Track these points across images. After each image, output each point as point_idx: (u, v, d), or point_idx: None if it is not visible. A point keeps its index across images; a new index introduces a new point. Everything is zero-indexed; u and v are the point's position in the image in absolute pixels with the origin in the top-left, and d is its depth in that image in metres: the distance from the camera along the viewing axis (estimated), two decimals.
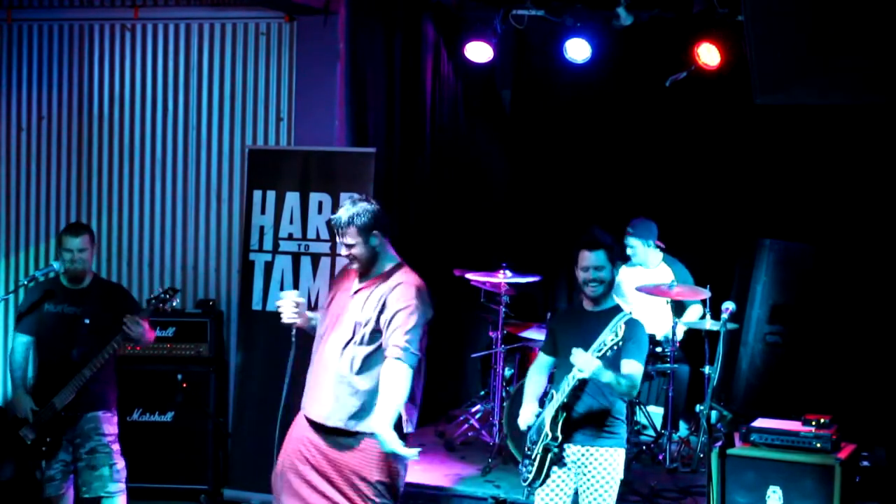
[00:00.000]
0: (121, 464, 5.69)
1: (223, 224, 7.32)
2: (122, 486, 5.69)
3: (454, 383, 8.60)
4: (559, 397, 4.91)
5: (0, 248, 7.51)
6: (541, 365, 5.26)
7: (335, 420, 4.63)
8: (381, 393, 4.55)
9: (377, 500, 4.64)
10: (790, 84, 5.54)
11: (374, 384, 4.60)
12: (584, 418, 4.92)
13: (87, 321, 5.63)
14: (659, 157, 8.37)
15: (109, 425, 5.68)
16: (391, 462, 4.64)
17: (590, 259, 5.00)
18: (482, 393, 7.93)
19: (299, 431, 4.80)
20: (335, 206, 6.50)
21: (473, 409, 7.67)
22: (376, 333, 4.62)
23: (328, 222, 5.32)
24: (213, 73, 7.33)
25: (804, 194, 7.79)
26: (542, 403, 5.10)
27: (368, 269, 4.71)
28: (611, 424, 4.94)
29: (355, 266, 4.71)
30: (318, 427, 4.71)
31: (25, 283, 6.08)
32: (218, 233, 7.32)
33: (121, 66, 7.42)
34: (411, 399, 4.70)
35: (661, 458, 6.83)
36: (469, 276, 7.31)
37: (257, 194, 6.68)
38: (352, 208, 4.63)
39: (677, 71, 7.35)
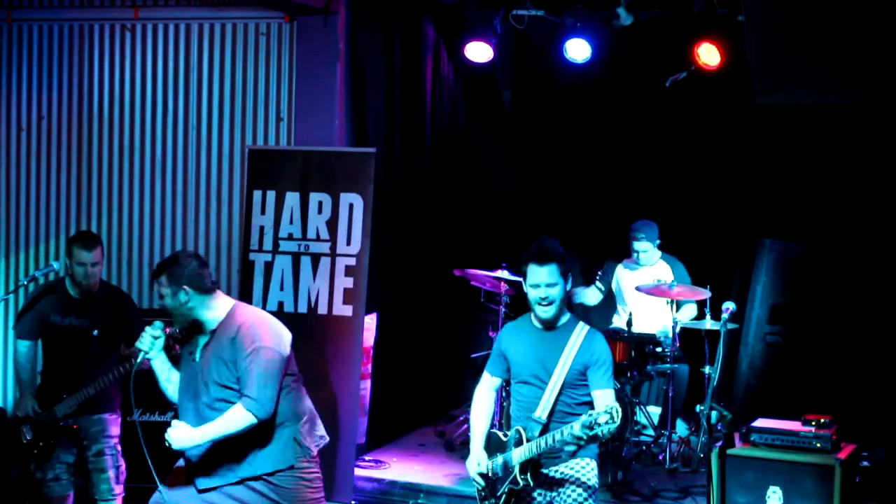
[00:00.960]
0: (123, 465, 5.74)
1: (223, 224, 7.32)
2: (122, 487, 5.75)
3: (454, 383, 8.60)
4: (528, 450, 4.39)
5: (0, 248, 7.51)
6: (488, 387, 4.81)
7: (218, 481, 4.55)
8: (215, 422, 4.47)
9: None
10: (790, 84, 5.54)
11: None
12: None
13: (95, 333, 5.62)
14: (659, 158, 8.37)
15: (114, 427, 5.73)
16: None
17: (540, 274, 4.47)
18: None
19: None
20: (335, 206, 6.51)
21: None
22: (235, 390, 4.49)
23: None
24: (213, 73, 7.33)
25: (804, 194, 7.79)
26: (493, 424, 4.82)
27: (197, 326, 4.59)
28: None
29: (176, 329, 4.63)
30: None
31: (25, 283, 6.08)
32: (218, 233, 7.33)
33: (121, 66, 7.42)
34: (307, 419, 4.73)
35: (661, 458, 6.83)
36: (470, 271, 7.30)
37: (257, 194, 6.67)
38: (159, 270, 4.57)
39: (677, 71, 7.35)
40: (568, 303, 4.72)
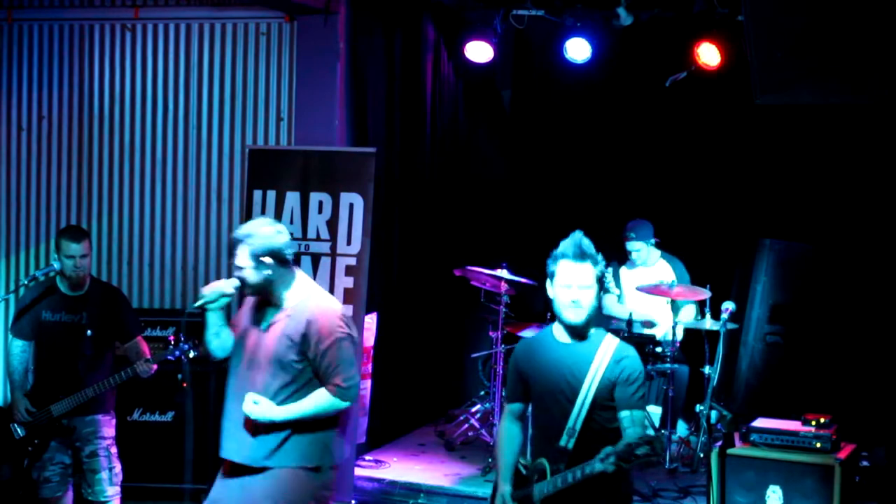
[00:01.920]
0: (118, 467, 5.70)
1: (223, 224, 7.32)
2: (118, 489, 5.70)
3: (454, 383, 8.61)
4: (551, 484, 3.97)
5: (0, 248, 7.51)
6: (511, 417, 4.27)
7: (259, 460, 4.40)
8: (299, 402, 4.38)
9: None
10: (790, 84, 5.54)
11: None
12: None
13: (89, 333, 5.59)
14: (659, 157, 8.37)
15: (108, 428, 5.69)
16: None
17: (574, 273, 4.00)
18: (482, 393, 7.92)
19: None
20: (335, 206, 6.51)
21: (473, 409, 7.67)
22: (294, 368, 4.42)
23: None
24: (213, 73, 7.33)
25: (804, 194, 7.79)
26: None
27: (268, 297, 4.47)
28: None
29: (249, 293, 4.48)
30: (235, 469, 4.46)
31: (26, 282, 6.06)
32: (218, 233, 7.32)
33: (121, 66, 7.42)
34: (342, 428, 4.55)
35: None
36: (471, 268, 7.29)
37: (257, 194, 6.67)
38: (248, 229, 4.43)
39: (677, 71, 7.35)
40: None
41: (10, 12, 7.48)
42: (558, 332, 4.11)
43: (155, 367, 5.61)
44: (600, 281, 4.04)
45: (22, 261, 7.49)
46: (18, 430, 5.59)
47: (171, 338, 5.72)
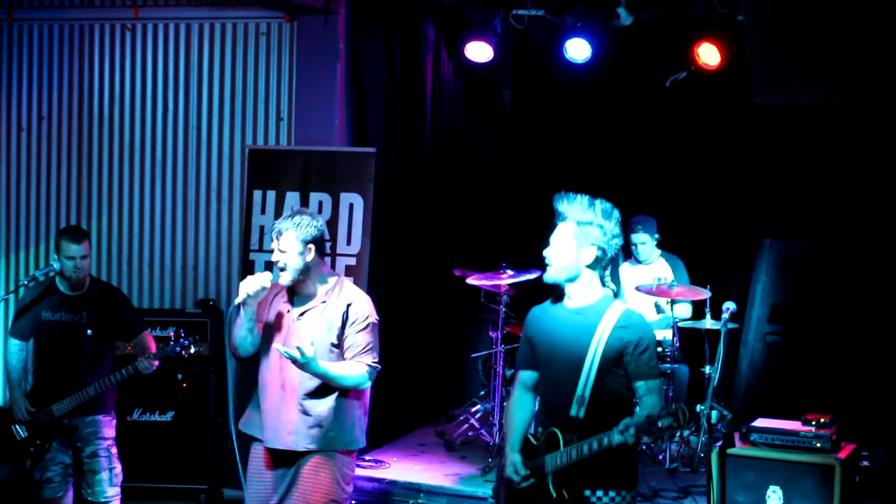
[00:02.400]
0: (119, 467, 5.70)
1: (223, 224, 7.32)
2: (119, 490, 5.70)
3: (454, 383, 8.61)
4: (565, 455, 3.87)
5: (0, 248, 7.51)
6: (522, 385, 4.22)
7: (302, 444, 4.60)
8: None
9: None
10: (790, 84, 5.54)
11: (330, 405, 4.61)
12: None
13: (89, 332, 5.59)
14: (659, 157, 8.37)
15: (109, 429, 5.69)
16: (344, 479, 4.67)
17: (555, 233, 4.17)
18: (482, 393, 7.93)
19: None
20: (335, 206, 6.52)
21: (473, 409, 7.67)
22: (331, 352, 4.61)
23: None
24: (213, 73, 7.33)
25: (804, 194, 7.79)
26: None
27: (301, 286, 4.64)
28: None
29: (286, 282, 4.63)
30: (277, 457, 4.66)
31: (26, 282, 6.06)
32: (218, 233, 7.33)
33: (121, 66, 7.42)
34: (364, 411, 4.79)
35: (661, 458, 6.83)
36: (470, 280, 7.30)
37: (257, 194, 6.68)
38: (297, 218, 4.61)
39: (677, 71, 7.35)
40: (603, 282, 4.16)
41: (10, 12, 7.49)
42: (566, 298, 4.10)
43: (156, 363, 5.60)
44: (580, 236, 4.06)
45: (22, 261, 7.49)
46: (20, 430, 5.58)
47: (172, 335, 5.72)
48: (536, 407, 4.26)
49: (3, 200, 7.52)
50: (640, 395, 3.93)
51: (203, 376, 6.86)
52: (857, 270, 7.42)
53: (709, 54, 7.24)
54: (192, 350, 5.65)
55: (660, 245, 7.47)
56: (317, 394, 4.60)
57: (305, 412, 4.59)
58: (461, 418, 7.69)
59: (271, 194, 6.65)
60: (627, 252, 7.46)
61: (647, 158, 8.41)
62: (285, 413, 4.61)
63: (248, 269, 6.67)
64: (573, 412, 3.91)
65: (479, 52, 7.79)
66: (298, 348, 4.40)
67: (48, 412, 5.53)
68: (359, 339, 4.62)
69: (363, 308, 4.66)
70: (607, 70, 8.07)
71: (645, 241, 7.32)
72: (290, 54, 7.20)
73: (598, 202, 4.23)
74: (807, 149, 7.78)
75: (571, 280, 4.07)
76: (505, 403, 6.92)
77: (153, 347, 5.71)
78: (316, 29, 7.02)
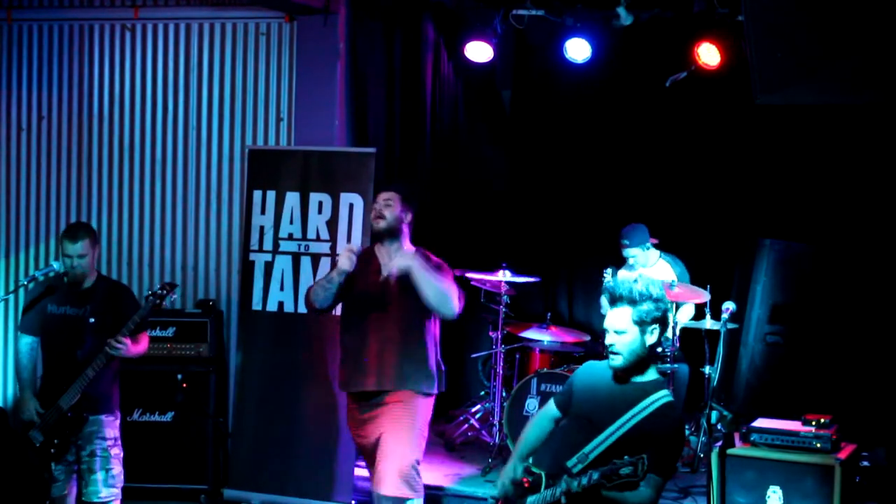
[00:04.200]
0: (117, 469, 5.60)
1: (223, 224, 7.32)
2: (117, 491, 5.60)
3: (454, 383, 8.59)
4: (541, 498, 3.98)
5: (0, 248, 7.51)
6: (551, 415, 4.28)
7: (405, 385, 5.19)
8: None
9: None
10: (790, 84, 5.53)
11: (424, 347, 5.26)
12: None
13: (91, 320, 5.57)
14: (659, 157, 8.37)
15: (111, 429, 5.63)
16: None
17: (609, 315, 4.01)
18: (482, 393, 7.93)
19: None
20: (335, 206, 6.52)
21: (473, 409, 7.67)
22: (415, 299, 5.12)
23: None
24: (213, 73, 7.33)
25: (804, 194, 7.79)
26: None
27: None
28: None
29: (381, 226, 5.23)
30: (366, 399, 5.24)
31: (25, 283, 6.06)
32: (218, 233, 7.33)
33: (121, 66, 7.42)
34: (437, 364, 5.35)
35: None
36: (469, 275, 7.31)
37: (257, 194, 6.68)
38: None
39: (677, 71, 7.35)
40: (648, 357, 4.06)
41: (9, 12, 7.48)
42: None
43: (139, 342, 5.57)
44: (643, 323, 3.94)
45: (22, 261, 7.49)
46: (37, 437, 5.51)
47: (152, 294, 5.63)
48: (552, 436, 4.29)
49: (3, 200, 7.52)
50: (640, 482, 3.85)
51: (203, 376, 6.86)
52: (857, 270, 7.42)
53: (709, 54, 7.25)
54: (173, 298, 5.66)
55: (658, 246, 7.47)
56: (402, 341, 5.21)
57: (396, 359, 5.18)
58: (461, 418, 7.69)
59: (271, 194, 6.65)
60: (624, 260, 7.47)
61: (646, 158, 8.41)
62: (381, 357, 5.19)
63: (248, 269, 6.67)
64: (570, 464, 3.97)
65: (479, 52, 7.79)
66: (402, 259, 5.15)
67: (56, 408, 5.48)
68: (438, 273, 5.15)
69: (436, 258, 5.27)
70: (607, 70, 8.07)
71: (636, 255, 7.31)
72: (290, 54, 7.20)
73: (640, 277, 4.11)
74: (807, 149, 7.78)
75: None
76: (505, 403, 6.93)
77: (144, 346, 5.66)
78: (316, 29, 7.02)
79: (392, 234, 5.26)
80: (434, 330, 5.34)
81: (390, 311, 5.21)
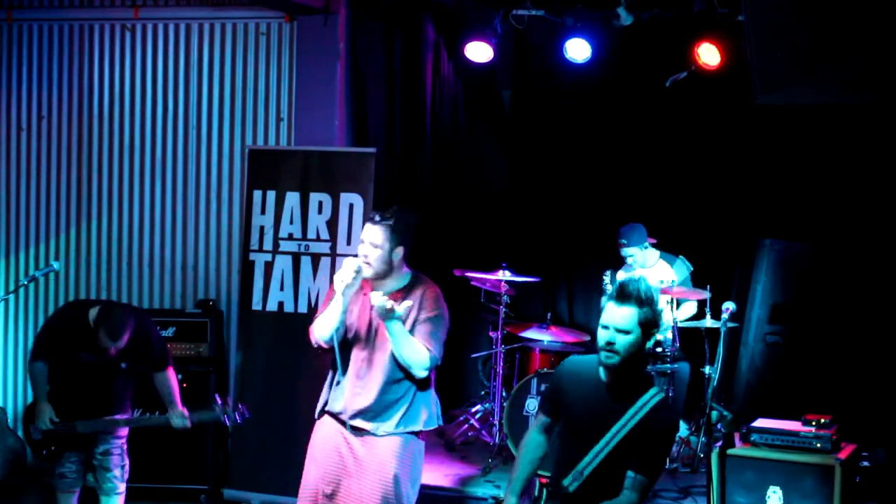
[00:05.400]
0: (127, 463, 5.79)
1: (223, 224, 7.32)
2: (125, 485, 5.78)
3: (454, 383, 8.61)
4: None
5: (0, 248, 7.51)
6: (538, 428, 4.20)
7: (385, 428, 4.70)
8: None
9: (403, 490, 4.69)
10: (790, 84, 5.53)
11: (405, 388, 4.73)
12: None
13: (123, 365, 5.62)
14: (659, 157, 8.38)
15: (123, 428, 5.76)
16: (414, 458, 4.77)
17: (613, 314, 3.91)
18: (482, 393, 7.93)
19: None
20: (335, 206, 6.51)
21: (473, 409, 7.67)
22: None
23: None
24: (213, 73, 7.33)
25: (804, 194, 7.79)
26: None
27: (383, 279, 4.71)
28: None
29: (369, 274, 4.66)
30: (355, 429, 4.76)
31: (25, 282, 6.07)
32: (218, 233, 7.32)
33: (121, 66, 7.42)
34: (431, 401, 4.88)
35: None
36: (469, 275, 7.31)
37: (257, 194, 6.68)
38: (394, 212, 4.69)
39: (677, 71, 7.35)
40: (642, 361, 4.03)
41: (9, 12, 7.48)
42: (601, 369, 4.00)
43: (190, 424, 5.72)
44: (646, 327, 3.87)
45: (22, 261, 7.48)
46: (36, 433, 5.61)
47: (219, 400, 5.70)
48: (552, 448, 4.23)
49: (3, 200, 7.52)
50: (625, 485, 3.87)
51: (203, 376, 6.85)
52: (857, 270, 7.42)
53: (709, 54, 7.25)
54: (239, 421, 5.71)
55: (657, 246, 7.47)
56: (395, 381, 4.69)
57: (385, 398, 4.67)
58: (461, 418, 7.69)
59: (271, 194, 6.65)
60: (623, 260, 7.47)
61: (647, 159, 8.41)
62: (368, 396, 4.68)
63: (248, 269, 6.67)
64: (566, 482, 3.93)
65: (479, 52, 7.79)
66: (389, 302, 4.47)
67: (71, 427, 5.55)
68: (424, 328, 4.66)
69: (434, 297, 4.73)
70: (607, 70, 8.07)
71: (634, 254, 7.32)
72: (290, 54, 7.19)
73: (643, 279, 4.01)
74: (807, 149, 7.78)
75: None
76: (505, 403, 6.93)
77: (175, 385, 5.73)
78: (316, 29, 7.02)
79: (383, 276, 4.71)
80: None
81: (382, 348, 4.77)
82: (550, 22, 7.56)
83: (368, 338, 4.73)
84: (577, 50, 7.50)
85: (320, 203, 6.58)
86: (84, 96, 7.45)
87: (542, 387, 6.75)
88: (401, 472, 4.67)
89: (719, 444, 5.50)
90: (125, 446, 5.77)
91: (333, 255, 6.48)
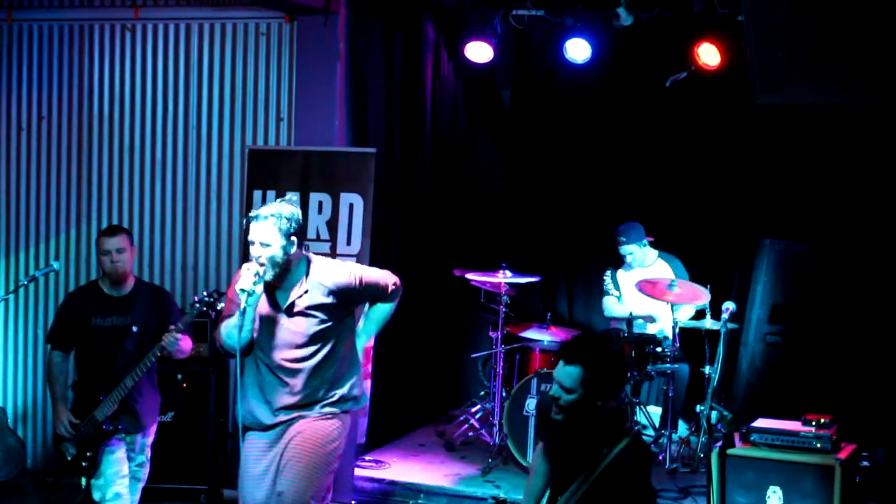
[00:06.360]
0: (148, 467, 5.76)
1: (223, 224, 7.32)
2: (146, 476, 5.77)
3: (454, 383, 8.61)
4: None
5: (0, 248, 7.51)
6: (540, 455, 4.20)
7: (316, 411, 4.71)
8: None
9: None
10: (790, 84, 5.53)
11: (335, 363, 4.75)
12: None
13: (135, 329, 5.53)
14: (659, 158, 8.38)
15: (152, 436, 5.73)
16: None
17: (559, 372, 3.82)
18: (482, 393, 7.93)
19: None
20: (335, 206, 6.52)
21: (473, 409, 7.67)
22: (327, 332, 4.71)
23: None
24: (213, 73, 7.33)
25: (804, 194, 7.79)
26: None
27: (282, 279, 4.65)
28: None
29: (267, 276, 4.59)
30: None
31: (25, 282, 6.06)
32: (218, 233, 7.32)
33: (121, 66, 7.42)
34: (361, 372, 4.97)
35: (661, 458, 6.83)
36: (469, 275, 7.31)
37: (257, 194, 6.67)
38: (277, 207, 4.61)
39: (677, 71, 7.35)
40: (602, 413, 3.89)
41: (9, 12, 7.48)
42: None
43: (185, 338, 5.42)
44: (594, 385, 3.72)
45: (22, 261, 7.49)
46: (70, 448, 5.46)
47: (196, 297, 5.45)
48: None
49: (3, 200, 7.52)
50: None
51: (203, 376, 6.85)
52: (857, 270, 7.42)
53: (709, 54, 7.25)
54: (220, 306, 5.32)
55: (656, 245, 7.48)
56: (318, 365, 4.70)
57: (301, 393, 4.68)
58: (461, 418, 7.69)
59: (271, 194, 6.64)
60: (622, 259, 7.47)
61: (647, 159, 8.41)
62: (277, 401, 4.71)
63: None
64: None
65: (479, 52, 7.79)
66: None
67: (91, 420, 5.43)
68: (369, 291, 4.80)
69: (343, 274, 4.71)
70: (607, 70, 8.07)
71: (633, 252, 7.34)
72: (290, 54, 7.19)
73: (599, 338, 4.12)
74: (807, 149, 7.78)
75: None
76: (505, 403, 6.93)
77: (189, 347, 5.58)
78: (316, 29, 7.02)
79: (283, 273, 4.67)
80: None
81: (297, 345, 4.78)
82: (550, 22, 7.56)
83: (279, 335, 4.69)
84: (577, 50, 7.51)
85: (320, 203, 6.58)
86: (84, 96, 7.45)
87: (543, 387, 6.74)
88: (326, 444, 4.67)
89: (719, 444, 5.50)
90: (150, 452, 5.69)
91: (333, 255, 6.47)
